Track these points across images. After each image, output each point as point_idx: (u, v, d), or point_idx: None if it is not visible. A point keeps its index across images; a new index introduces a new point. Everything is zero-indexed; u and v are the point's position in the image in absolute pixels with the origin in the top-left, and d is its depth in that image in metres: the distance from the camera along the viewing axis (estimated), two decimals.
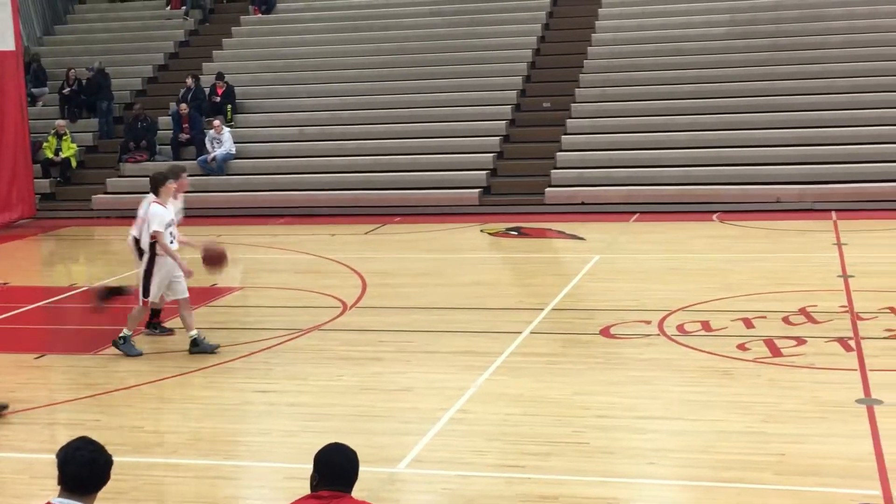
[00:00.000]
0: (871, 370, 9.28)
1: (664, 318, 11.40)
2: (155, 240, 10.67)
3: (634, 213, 19.58)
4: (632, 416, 8.50)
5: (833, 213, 18.58)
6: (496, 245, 17.77)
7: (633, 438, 7.98)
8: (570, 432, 8.07)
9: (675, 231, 17.91)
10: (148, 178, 11.21)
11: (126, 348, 10.78)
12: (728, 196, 20.00)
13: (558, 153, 21.72)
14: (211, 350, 10.72)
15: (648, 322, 11.29)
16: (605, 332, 11.06)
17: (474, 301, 12.83)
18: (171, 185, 10.93)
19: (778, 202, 19.60)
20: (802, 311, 11.48)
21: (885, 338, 10.37)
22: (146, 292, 10.79)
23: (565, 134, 22.28)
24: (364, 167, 22.13)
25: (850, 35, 23.26)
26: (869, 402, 8.40)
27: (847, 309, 11.57)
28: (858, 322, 11.00)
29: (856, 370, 9.32)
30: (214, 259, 11.09)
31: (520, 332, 11.11)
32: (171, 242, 10.76)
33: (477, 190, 21.29)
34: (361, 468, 4.40)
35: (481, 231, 18.70)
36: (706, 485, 7.08)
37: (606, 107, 22.76)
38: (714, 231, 17.94)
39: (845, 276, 13.25)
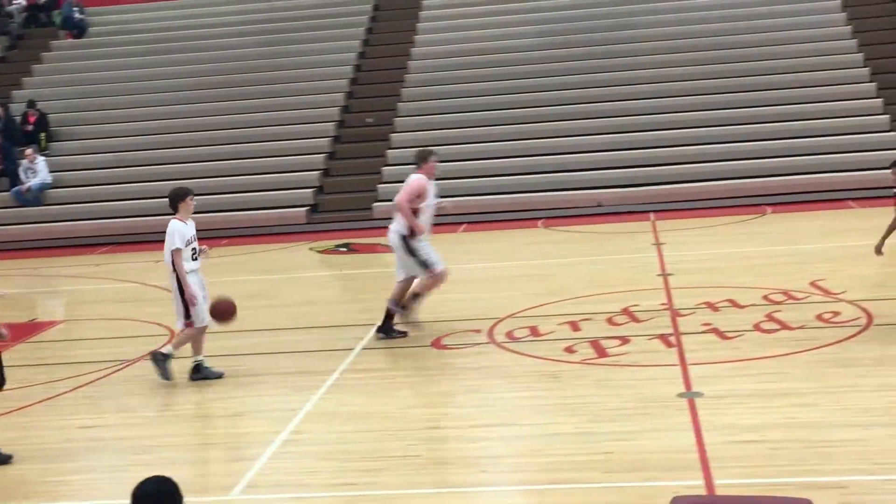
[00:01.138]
0: (690, 364, 9.61)
1: (493, 326, 11.56)
2: (173, 258, 10.20)
3: (462, 223, 19.80)
4: (464, 426, 8.57)
5: (651, 215, 19.20)
6: (326, 262, 17.70)
7: (466, 448, 8.05)
8: (403, 446, 8.08)
9: (502, 240, 18.19)
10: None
11: (203, 374, 10.29)
12: (551, 202, 20.45)
13: (384, 168, 21.80)
14: (216, 376, 10.31)
15: (478, 331, 11.42)
16: (436, 343, 11.13)
17: (305, 320, 12.76)
18: (191, 200, 10.48)
19: (599, 206, 20.14)
20: (625, 311, 11.82)
21: (702, 332, 10.76)
22: (187, 315, 10.27)
23: (390, 148, 22.39)
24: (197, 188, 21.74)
25: (659, 42, 24.13)
26: (690, 396, 8.69)
27: (667, 306, 11.96)
28: (678, 318, 11.39)
29: (677, 365, 9.64)
30: (223, 312, 10.43)
31: (352, 349, 11.09)
32: (195, 259, 10.34)
33: (304, 208, 21.18)
34: (192, 499, 4.31)
35: (310, 249, 18.60)
36: (537, 488, 7.19)
37: (429, 120, 22.98)
38: (539, 238, 18.31)
39: (664, 275, 13.72)
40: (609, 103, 22.59)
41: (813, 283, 12.50)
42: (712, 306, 11.81)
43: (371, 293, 14.76)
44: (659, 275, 13.78)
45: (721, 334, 10.61)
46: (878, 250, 10.80)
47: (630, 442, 7.78)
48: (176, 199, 10.48)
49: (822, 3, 24.71)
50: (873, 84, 22.01)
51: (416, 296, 11.51)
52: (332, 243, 18.88)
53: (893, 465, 6.93)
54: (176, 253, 10.20)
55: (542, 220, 19.73)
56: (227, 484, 7.51)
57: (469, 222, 19.90)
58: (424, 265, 11.22)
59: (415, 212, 11.18)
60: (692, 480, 6.91)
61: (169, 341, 11.52)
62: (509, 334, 11.21)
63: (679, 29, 24.44)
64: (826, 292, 12.09)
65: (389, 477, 7.48)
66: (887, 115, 21.11)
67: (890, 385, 8.67)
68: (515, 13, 26.01)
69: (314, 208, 21.42)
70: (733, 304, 11.88)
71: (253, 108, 23.93)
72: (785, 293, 12.16)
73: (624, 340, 10.61)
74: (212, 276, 16.35)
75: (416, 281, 11.46)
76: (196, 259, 10.40)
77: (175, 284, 10.28)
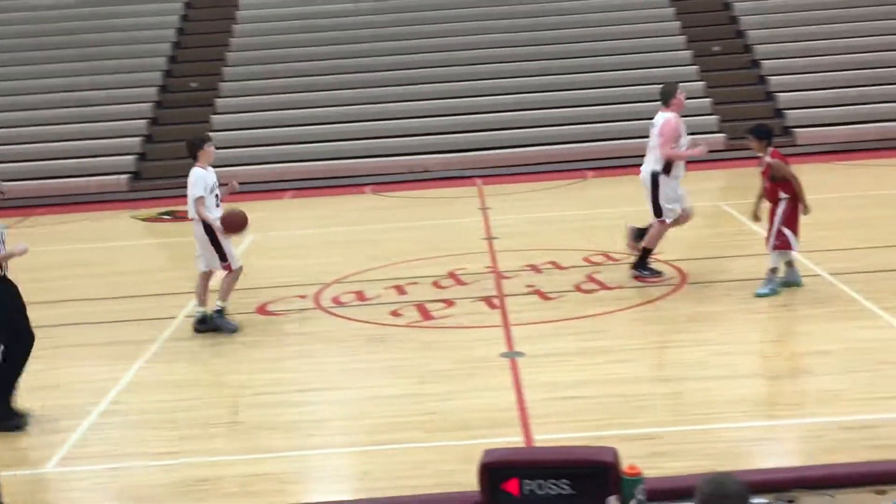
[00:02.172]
0: (513, 325, 9.80)
1: (320, 292, 11.52)
2: (197, 206, 9.99)
3: (289, 189, 19.63)
4: (291, 391, 8.54)
5: (477, 180, 19.42)
6: (149, 230, 17.29)
7: (293, 412, 8.01)
8: (227, 413, 7.99)
9: (328, 206, 18.12)
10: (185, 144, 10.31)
11: (223, 323, 10.16)
12: (379, 168, 20.47)
13: (209, 133, 21.36)
14: (232, 329, 10.14)
15: (304, 296, 11.36)
16: (261, 309, 11.03)
17: (127, 289, 12.44)
18: (210, 147, 10.22)
19: (426, 171, 20.25)
20: (451, 275, 11.94)
21: (525, 293, 10.97)
22: (223, 257, 10.11)
23: (215, 114, 21.98)
24: (3, 157, 20.88)
25: (481, 8, 24.33)
26: (512, 356, 8.86)
27: (492, 269, 12.14)
28: (502, 281, 11.58)
29: (500, 326, 9.81)
30: (235, 224, 10.16)
31: (174, 318, 10.88)
32: (217, 206, 10.13)
33: (126, 175, 20.62)
34: (5, 473, 4.15)
35: (132, 217, 18.13)
36: (363, 449, 7.23)
37: (255, 85, 22.65)
38: (367, 203, 18.31)
39: (489, 239, 13.91)
40: (433, 69, 22.70)
41: (631, 244, 12.84)
42: (535, 268, 12.05)
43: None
44: (484, 239, 13.97)
45: (543, 295, 10.85)
46: (755, 216, 10.98)
47: (453, 402, 7.89)
48: (195, 147, 10.21)
49: None
50: (689, 52, 22.73)
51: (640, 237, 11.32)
52: (155, 211, 18.45)
53: (702, 416, 7.23)
54: (199, 201, 10.01)
55: (369, 186, 19.73)
56: (41, 457, 7.29)
57: (296, 188, 19.73)
58: None
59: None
60: (513, 437, 7.06)
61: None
62: (335, 299, 11.19)
63: None
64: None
65: (214, 444, 7.40)
66: (703, 82, 21.85)
67: (702, 340, 9.03)
68: None
69: (136, 175, 20.87)
70: (555, 265, 12.15)
71: (71, 72, 23.12)
72: (605, 254, 12.49)
73: (449, 303, 10.73)
74: (30, 247, 15.84)
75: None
76: (219, 206, 10.20)
77: (202, 233, 10.08)
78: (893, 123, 20.29)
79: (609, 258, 12.30)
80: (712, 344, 8.91)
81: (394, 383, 8.44)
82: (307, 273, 12.55)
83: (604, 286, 11.06)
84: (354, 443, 7.37)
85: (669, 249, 12.46)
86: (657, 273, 11.25)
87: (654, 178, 11.06)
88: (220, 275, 10.40)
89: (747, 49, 22.87)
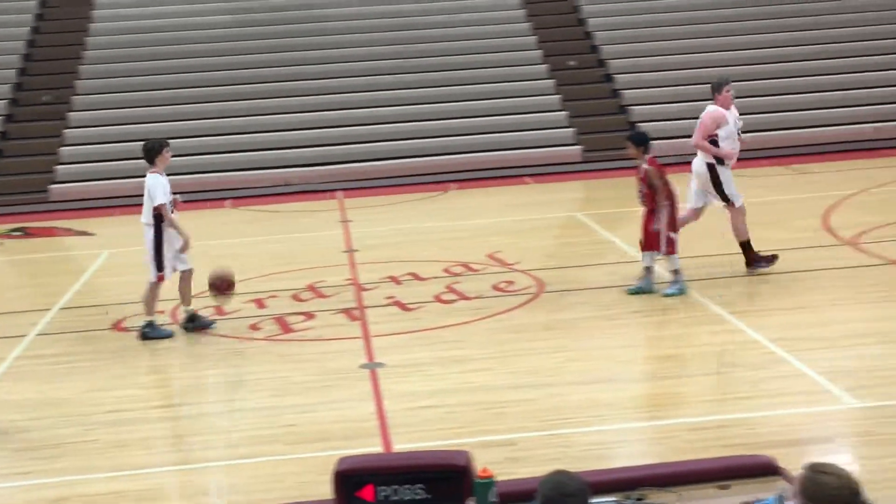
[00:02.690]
0: (374, 336, 9.84)
1: (178, 307, 11.34)
2: (159, 212, 9.93)
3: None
4: (147, 407, 8.42)
5: (339, 193, 19.41)
6: None
7: (147, 429, 7.90)
8: (80, 431, 7.82)
9: (187, 220, 17.72)
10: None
11: (155, 334, 10.05)
12: (239, 182, 20.29)
13: (61, 148, 20.87)
14: (207, 325, 10.22)
15: (162, 312, 11.17)
16: (117, 326, 10.82)
17: None
18: (168, 153, 10.17)
19: (287, 185, 20.16)
20: (311, 288, 11.91)
21: (385, 305, 11.02)
22: (159, 266, 10.09)
23: (67, 128, 21.45)
24: None
25: (344, 21, 24.37)
26: (372, 366, 8.90)
27: (352, 281, 12.15)
28: (362, 292, 11.61)
29: (360, 338, 9.84)
30: (223, 286, 10.19)
31: (25, 335, 10.59)
32: (172, 213, 10.12)
33: None
34: None
35: None
36: (222, 464, 7.17)
37: (110, 98, 22.19)
38: (227, 217, 18.12)
39: (350, 251, 13.93)
40: (299, 82, 22.61)
41: (490, 255, 13.04)
42: (395, 280, 12.11)
43: (47, 277, 14.19)
44: (345, 251, 13.98)
45: (403, 306, 10.92)
46: None
47: (313, 414, 7.89)
48: (153, 152, 10.10)
49: (500, 0, 25.73)
50: (545, 66, 23.16)
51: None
52: (5, 227, 17.90)
53: (556, 422, 7.39)
54: (163, 207, 9.98)
55: (229, 200, 19.53)
56: None
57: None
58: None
59: None
60: (373, 447, 7.09)
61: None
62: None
63: (362, 10, 24.76)
64: (502, 263, 12.65)
65: (67, 462, 7.24)
66: (559, 96, 22.28)
67: (557, 347, 9.22)
68: None
69: None
70: (415, 277, 12.23)
71: None
72: (464, 265, 12.63)
73: (309, 316, 10.71)
74: None
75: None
76: (173, 212, 10.18)
77: (152, 237, 10.10)
78: (743, 134, 20.97)
79: (469, 269, 12.44)
80: (567, 350, 9.11)
81: (253, 397, 8.40)
82: (165, 288, 12.31)
83: (463, 296, 11.19)
84: (213, 458, 7.30)
85: (527, 259, 12.70)
86: (771, 259, 11.15)
87: (712, 169, 11.16)
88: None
89: (601, 63, 23.40)
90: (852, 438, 7.09)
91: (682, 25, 23.97)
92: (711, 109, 11.24)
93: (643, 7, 24.65)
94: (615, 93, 22.60)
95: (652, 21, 24.21)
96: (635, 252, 12.59)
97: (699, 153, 11.29)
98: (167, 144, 10.34)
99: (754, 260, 11.15)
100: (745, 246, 11.22)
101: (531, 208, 16.71)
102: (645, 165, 10.71)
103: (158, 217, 10.12)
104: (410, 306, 10.90)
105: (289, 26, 24.32)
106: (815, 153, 20.25)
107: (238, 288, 11.88)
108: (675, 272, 10.64)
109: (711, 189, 11.20)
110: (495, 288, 11.45)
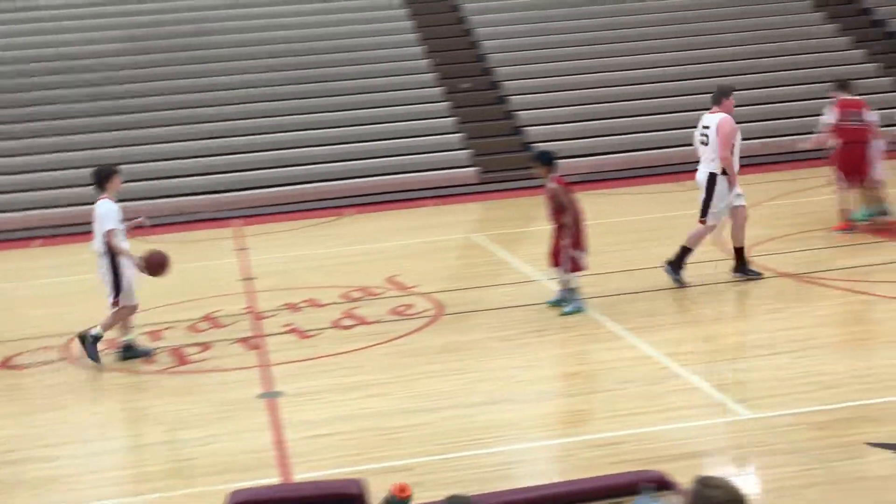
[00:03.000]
0: (272, 364, 9.74)
1: (69, 342, 11.10)
2: (108, 240, 9.90)
3: (38, 237, 18.87)
4: (39, 446, 8.18)
5: (236, 220, 19.22)
6: None
7: (41, 468, 7.68)
8: None
9: (78, 253, 17.44)
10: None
11: (91, 350, 9.96)
12: (132, 212, 19.93)
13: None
14: (145, 354, 10.16)
15: (52, 348, 10.92)
16: (5, 364, 10.53)
17: None
18: (118, 179, 10.15)
19: (181, 214, 19.88)
20: (207, 318, 11.75)
21: (283, 333, 10.93)
22: (117, 291, 10.01)
23: None
24: None
25: (236, 49, 24.19)
26: (270, 395, 8.80)
27: (249, 310, 12.02)
28: (260, 321, 11.49)
29: (258, 367, 9.72)
30: (156, 265, 10.20)
31: None
32: (124, 241, 10.08)
33: None
34: None
35: None
36: (116, 502, 7.01)
37: None
38: None
39: (247, 279, 13.78)
40: (190, 110, 22.35)
41: (389, 279, 13.02)
42: (293, 307, 12.02)
43: None
44: (242, 279, 13.83)
45: (301, 333, 10.83)
46: None
47: (211, 446, 7.76)
48: (103, 178, 10.01)
49: (388, 12, 25.76)
50: (440, 89, 23.28)
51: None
52: None
53: (456, 444, 7.39)
54: (111, 233, 9.87)
55: None
56: None
57: (45, 236, 18.98)
58: None
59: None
60: (272, 478, 7.01)
61: None
62: None
63: (256, 35, 24.59)
64: (401, 287, 12.64)
65: None
66: (455, 118, 22.41)
67: (456, 370, 9.22)
68: (96, 17, 25.06)
69: None
70: (313, 303, 12.15)
71: None
72: (363, 290, 12.59)
73: (205, 346, 10.55)
74: None
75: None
76: (125, 241, 10.14)
77: (108, 264, 10.00)
78: (634, 154, 21.38)
79: (367, 293, 12.40)
80: (466, 372, 9.13)
81: (149, 431, 8.25)
82: (54, 323, 12.07)
83: (362, 321, 11.14)
84: (110, 495, 7.13)
85: (426, 282, 12.71)
86: (679, 280, 11.33)
87: (711, 179, 11.21)
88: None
89: (495, 85, 23.61)
90: (746, 450, 7.21)
91: (573, 46, 24.31)
92: (725, 118, 11.33)
93: (535, 29, 24.95)
94: (509, 114, 22.81)
95: (544, 42, 24.52)
96: (533, 271, 12.73)
97: (702, 164, 11.37)
98: (118, 171, 10.36)
99: (674, 266, 11.33)
100: (684, 251, 11.37)
101: (429, 231, 16.75)
102: (551, 184, 10.82)
103: (109, 244, 10.07)
104: (309, 333, 10.81)
105: (184, 53, 24.04)
106: None
107: (132, 320, 11.70)
108: (572, 291, 10.75)
109: (700, 196, 11.33)
110: (394, 312, 11.43)
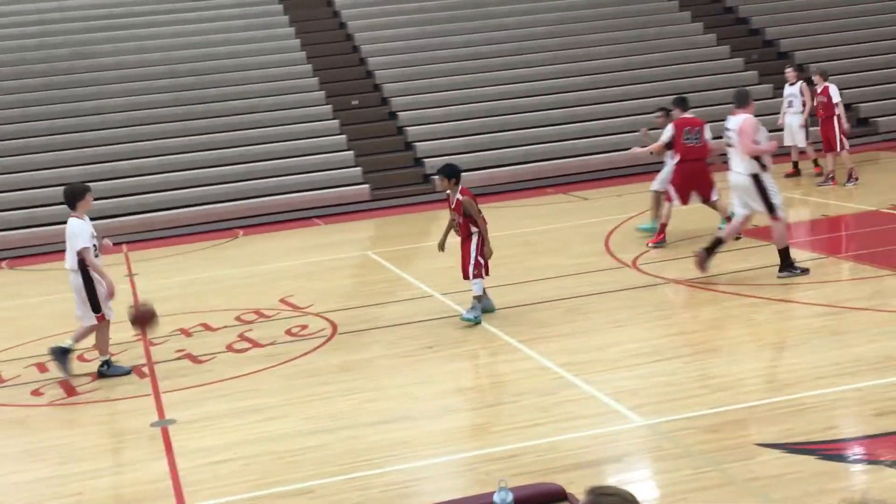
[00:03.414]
0: (164, 392, 9.55)
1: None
2: (83, 257, 9.90)
3: None
4: None
5: (124, 246, 18.85)
6: None
7: None
8: None
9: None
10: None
11: (111, 371, 10.11)
12: (12, 242, 19.45)
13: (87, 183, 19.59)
14: (125, 372, 10.16)
15: None
16: None
17: None
18: (90, 197, 10.16)
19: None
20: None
21: (176, 359, 10.73)
22: (96, 308, 10.10)
23: None
24: None
25: (123, 70, 23.79)
26: (163, 424, 8.63)
27: (140, 337, 11.77)
28: (151, 348, 11.27)
29: (150, 395, 9.53)
30: (144, 318, 10.25)
31: None
32: (96, 256, 10.08)
33: None
34: None
35: None
36: None
37: None
38: (5, 279, 17.31)
39: None
40: (70, 134, 21.89)
41: (282, 300, 12.90)
42: (186, 332, 11.83)
43: None
44: (132, 306, 13.53)
45: (194, 359, 10.66)
46: (441, 247, 11.37)
47: (102, 479, 7.58)
48: (74, 196, 10.02)
49: (273, 31, 25.60)
50: (329, 106, 23.20)
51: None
52: None
53: (355, 464, 7.33)
54: (85, 251, 9.91)
55: (5, 261, 18.68)
56: None
57: None
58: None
59: None
60: None
61: None
62: None
63: (141, 57, 24.23)
64: (294, 307, 12.53)
65: None
66: (344, 136, 22.34)
67: (353, 389, 9.17)
68: None
69: None
70: (206, 327, 11.97)
71: None
72: (256, 312, 12.45)
73: (95, 376, 10.30)
74: None
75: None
76: (98, 256, 10.14)
77: (80, 283, 10.05)
78: (521, 167, 21.56)
79: (261, 315, 12.27)
80: (364, 391, 9.08)
81: (35, 467, 7.99)
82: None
83: (256, 344, 11.01)
84: None
85: (320, 301, 12.62)
86: (804, 270, 11.35)
87: (756, 179, 11.23)
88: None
89: (384, 102, 23.63)
90: (641, 456, 7.30)
91: (457, 62, 24.46)
92: (746, 118, 11.39)
93: (421, 45, 25.05)
94: (400, 130, 22.84)
95: (430, 58, 24.62)
96: (427, 287, 12.74)
97: (736, 166, 11.43)
98: (89, 189, 10.34)
99: (789, 266, 11.42)
100: (784, 253, 11.45)
101: (322, 250, 16.66)
102: (459, 196, 10.89)
103: (83, 261, 10.06)
104: (202, 358, 10.64)
105: (58, 77, 23.54)
106: (596, 179, 21.00)
107: (17, 353, 11.42)
108: (478, 298, 10.82)
109: (755, 200, 11.36)
110: (289, 333, 11.33)
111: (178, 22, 25.57)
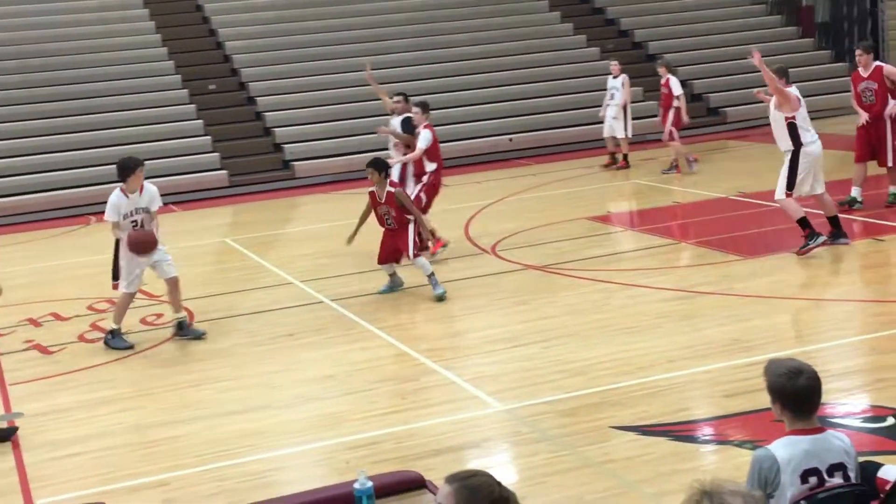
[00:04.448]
0: (10, 384, 9.23)
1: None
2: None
3: None
4: None
5: None
6: None
7: None
8: None
9: None
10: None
11: (115, 343, 10.03)
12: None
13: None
14: (198, 336, 10.14)
15: None
16: None
17: None
18: (141, 171, 10.21)
19: None
20: None
21: (24, 350, 10.38)
22: (115, 276, 10.34)
23: None
24: None
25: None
26: (9, 418, 8.32)
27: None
28: None
29: None
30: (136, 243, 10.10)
31: None
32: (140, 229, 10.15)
33: None
34: None
35: None
36: None
37: None
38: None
39: None
40: None
41: (138, 289, 12.57)
42: (34, 322, 11.45)
43: None
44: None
45: (43, 349, 10.33)
46: (350, 240, 11.49)
47: None
48: (126, 170, 10.12)
49: (129, 12, 24.95)
50: (185, 91, 22.73)
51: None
52: None
53: (211, 455, 7.21)
54: (115, 225, 10.27)
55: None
56: None
57: None
58: None
59: None
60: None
61: None
62: None
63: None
64: (149, 296, 12.22)
65: None
66: (201, 121, 21.93)
67: (210, 378, 9.02)
68: None
69: None
70: (56, 317, 11.62)
71: None
72: (109, 301, 12.08)
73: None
74: None
75: None
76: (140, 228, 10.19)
77: (114, 251, 10.28)
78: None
79: (114, 304, 11.89)
80: (221, 381, 8.94)
81: None
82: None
83: None
84: None
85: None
86: (819, 236, 11.35)
87: (794, 156, 11.32)
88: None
89: (242, 86, 23.28)
90: (500, 440, 7.37)
91: (319, 46, 24.25)
92: (790, 89, 11.38)
93: (280, 29, 24.73)
94: (258, 115, 22.53)
95: (288, 43, 24.34)
96: (287, 275, 12.62)
97: (780, 140, 11.43)
98: (140, 164, 10.33)
99: (839, 232, 11.62)
100: (833, 221, 11.62)
101: (178, 237, 16.27)
102: (390, 189, 11.11)
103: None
104: (52, 349, 10.32)
105: None
106: (456, 166, 21.08)
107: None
108: (432, 275, 11.01)
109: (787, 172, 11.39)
110: (143, 322, 11.08)
111: (24, 1, 24.65)
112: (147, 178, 10.79)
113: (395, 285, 11.41)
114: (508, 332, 9.63)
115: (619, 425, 7.16)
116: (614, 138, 19.00)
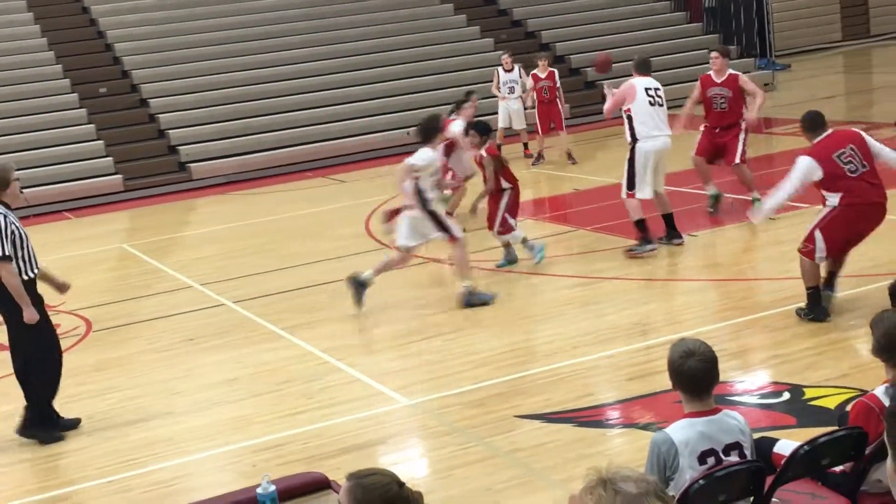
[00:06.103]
0: None
1: None
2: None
3: None
4: None
5: None
6: None
7: None
8: None
9: None
10: None
11: (476, 299, 9.96)
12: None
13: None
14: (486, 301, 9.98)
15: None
16: None
17: None
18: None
19: None
20: None
21: None
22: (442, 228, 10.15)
23: None
24: None
25: None
26: None
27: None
28: None
29: None
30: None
31: None
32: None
33: None
34: None
35: None
36: None
37: None
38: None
39: None
40: None
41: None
42: None
43: None
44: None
45: None
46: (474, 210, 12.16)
47: None
48: (431, 131, 10.04)
49: (12, 16, 24.32)
50: (75, 95, 22.24)
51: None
52: None
53: (114, 466, 7.10)
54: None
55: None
56: None
57: None
58: None
59: None
60: None
61: None
62: None
63: None
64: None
65: None
66: (93, 125, 21.47)
67: (111, 388, 8.87)
68: None
69: None
70: None
71: None
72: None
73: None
74: None
75: None
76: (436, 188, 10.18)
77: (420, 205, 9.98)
78: (275, 152, 21.26)
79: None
80: (121, 390, 8.78)
81: None
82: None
83: (2, 347, 10.43)
84: None
85: (72, 299, 12.05)
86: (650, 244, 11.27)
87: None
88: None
89: (134, 89, 22.86)
90: (408, 435, 7.38)
91: (210, 46, 23.92)
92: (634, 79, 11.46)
93: (170, 30, 24.33)
94: (151, 118, 22.15)
95: (178, 43, 23.95)
96: (186, 278, 12.45)
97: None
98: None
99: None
100: (639, 225, 11.44)
101: (73, 244, 15.97)
102: (483, 153, 11.33)
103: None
104: None
105: None
106: (352, 161, 21.03)
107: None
108: (507, 246, 11.34)
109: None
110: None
111: None
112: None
113: (510, 258, 11.40)
114: (411, 326, 9.63)
115: (526, 414, 7.21)
116: (525, 130, 18.86)
